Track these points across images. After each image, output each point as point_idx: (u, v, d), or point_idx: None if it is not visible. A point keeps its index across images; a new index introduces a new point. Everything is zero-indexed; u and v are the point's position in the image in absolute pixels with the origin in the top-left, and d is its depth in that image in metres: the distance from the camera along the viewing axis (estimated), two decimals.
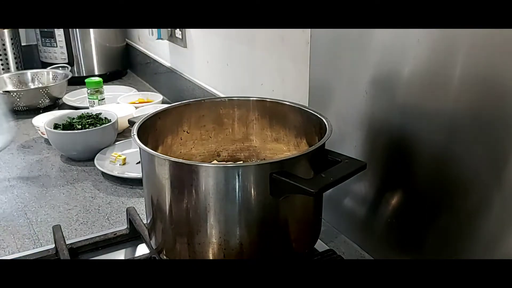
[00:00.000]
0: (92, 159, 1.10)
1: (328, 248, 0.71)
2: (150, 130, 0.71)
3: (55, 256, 0.75)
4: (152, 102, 1.44)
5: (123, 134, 1.29)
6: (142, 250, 0.78)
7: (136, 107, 1.37)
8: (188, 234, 0.59)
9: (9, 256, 0.76)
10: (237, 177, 0.55)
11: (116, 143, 1.18)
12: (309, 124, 0.70)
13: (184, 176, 0.56)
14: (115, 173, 1.03)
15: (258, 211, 0.57)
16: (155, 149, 0.70)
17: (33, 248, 0.80)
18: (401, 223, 0.68)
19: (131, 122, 0.73)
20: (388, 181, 0.70)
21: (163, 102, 1.45)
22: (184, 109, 0.76)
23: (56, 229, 0.76)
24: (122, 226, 0.84)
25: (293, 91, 0.91)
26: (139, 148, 0.62)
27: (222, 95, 1.22)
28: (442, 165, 0.60)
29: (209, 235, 0.58)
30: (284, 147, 0.77)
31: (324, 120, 0.65)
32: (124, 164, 1.10)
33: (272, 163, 0.56)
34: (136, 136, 0.62)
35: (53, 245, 0.76)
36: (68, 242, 0.77)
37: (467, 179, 0.57)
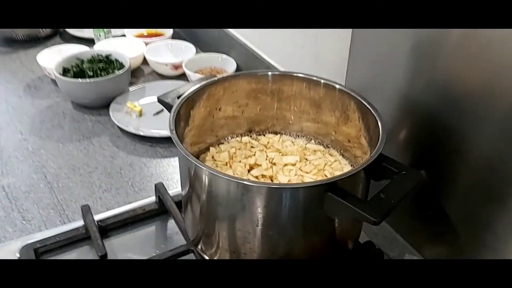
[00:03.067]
0: (106, 106, 1.05)
1: (368, 239, 0.70)
2: (183, 114, 0.65)
3: (85, 235, 0.73)
4: (163, 36, 1.34)
5: (134, 74, 1.22)
6: (171, 226, 0.77)
7: (146, 43, 1.28)
8: (234, 244, 0.57)
9: (37, 234, 0.74)
10: (289, 197, 0.52)
11: (130, 88, 1.12)
12: (356, 112, 0.65)
13: (234, 192, 0.53)
14: (133, 131, 0.98)
15: (308, 226, 0.55)
16: (184, 133, 0.65)
17: (60, 222, 0.78)
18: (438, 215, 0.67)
19: (163, 102, 0.68)
20: (430, 174, 0.67)
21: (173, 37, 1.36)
22: (217, 86, 0.70)
23: (85, 210, 0.74)
24: (148, 196, 0.82)
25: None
26: (184, 156, 0.55)
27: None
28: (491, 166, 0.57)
29: (256, 248, 0.56)
30: (323, 128, 0.73)
31: (375, 115, 0.60)
32: (140, 115, 1.05)
33: (328, 183, 0.52)
34: (179, 143, 0.56)
35: (82, 223, 0.74)
36: (96, 218, 0.75)
37: None
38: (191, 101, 0.66)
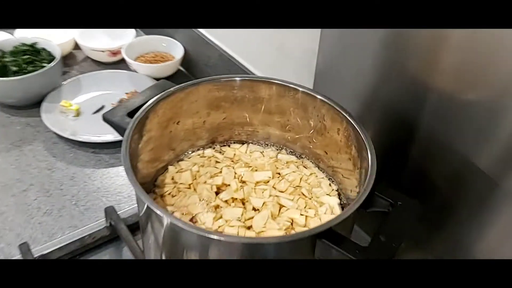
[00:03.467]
0: (36, 105, 0.91)
1: None
2: (136, 132, 0.55)
3: None
4: None
5: (66, 62, 1.07)
6: (127, 254, 0.67)
7: None
8: None
9: None
10: (273, 250, 0.44)
11: (63, 82, 0.97)
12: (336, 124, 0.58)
13: (206, 247, 0.44)
14: (70, 136, 0.86)
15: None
16: (138, 149, 0.56)
17: None
18: None
19: (110, 122, 0.57)
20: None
21: None
22: (173, 99, 0.60)
23: (24, 249, 0.63)
24: (96, 217, 0.72)
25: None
26: (150, 207, 0.45)
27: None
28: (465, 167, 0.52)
29: None
30: (295, 137, 0.65)
31: (360, 132, 0.53)
32: (78, 115, 0.92)
33: (321, 232, 0.44)
34: (138, 187, 0.46)
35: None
36: (37, 252, 0.64)
37: None
38: (144, 119, 0.56)
